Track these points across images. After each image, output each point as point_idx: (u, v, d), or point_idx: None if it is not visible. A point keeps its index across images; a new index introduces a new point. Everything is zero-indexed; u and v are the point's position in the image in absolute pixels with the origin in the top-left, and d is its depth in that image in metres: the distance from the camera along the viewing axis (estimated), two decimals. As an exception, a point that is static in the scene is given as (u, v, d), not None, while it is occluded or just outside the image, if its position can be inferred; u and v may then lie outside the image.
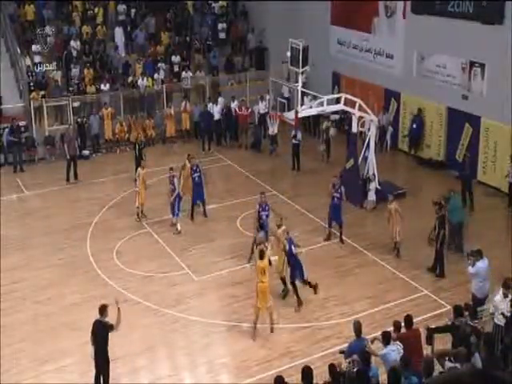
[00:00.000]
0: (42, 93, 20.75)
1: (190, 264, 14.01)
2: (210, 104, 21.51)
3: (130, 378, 10.58)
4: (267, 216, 14.01)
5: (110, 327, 9.74)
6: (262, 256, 11.44)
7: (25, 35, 22.60)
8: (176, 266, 13.98)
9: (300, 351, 11.00)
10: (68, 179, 18.27)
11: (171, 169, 15.64)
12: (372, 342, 9.17)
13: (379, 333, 10.58)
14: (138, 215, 15.83)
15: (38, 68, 21.44)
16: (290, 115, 16.65)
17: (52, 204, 17.22)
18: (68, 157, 18.20)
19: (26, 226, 16.02)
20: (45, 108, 20.14)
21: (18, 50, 21.73)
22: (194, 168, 15.82)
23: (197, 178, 15.75)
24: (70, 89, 21.36)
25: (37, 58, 21.95)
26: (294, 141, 19.09)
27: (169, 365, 11.05)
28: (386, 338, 8.84)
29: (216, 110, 21.37)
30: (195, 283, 13.35)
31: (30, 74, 21.22)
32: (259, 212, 13.99)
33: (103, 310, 9.80)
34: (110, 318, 9.74)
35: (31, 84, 20.98)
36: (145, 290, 13.04)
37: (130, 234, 15.29)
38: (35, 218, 16.48)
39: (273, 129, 20.17)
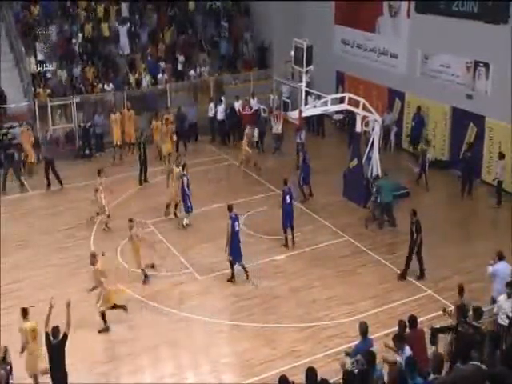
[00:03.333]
0: (48, 91, 20.78)
1: (194, 263, 14.02)
2: (212, 104, 21.49)
3: (133, 377, 10.61)
4: None
5: (64, 340, 9.40)
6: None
7: (29, 34, 22.60)
8: (180, 265, 14.00)
9: (303, 351, 11.00)
10: (48, 184, 17.90)
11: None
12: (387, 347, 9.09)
13: (383, 333, 10.67)
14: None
15: (42, 67, 21.53)
16: (293, 114, 16.63)
17: (55, 203, 17.24)
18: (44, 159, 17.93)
19: (29, 225, 16.04)
20: (49, 107, 20.14)
21: (23, 49, 21.78)
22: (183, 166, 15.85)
23: (186, 180, 15.70)
24: (79, 87, 21.37)
25: (41, 57, 22.00)
26: (298, 140, 19.14)
27: (172, 364, 11.06)
28: (400, 340, 8.76)
29: (219, 110, 21.36)
30: (199, 282, 13.37)
31: (34, 72, 21.26)
32: None
33: (55, 331, 9.40)
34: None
35: (35, 83, 21.01)
36: (148, 289, 13.06)
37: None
38: (38, 216, 16.51)
39: (276, 128, 20.17)
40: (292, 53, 16.21)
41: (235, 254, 13.13)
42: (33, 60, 21.73)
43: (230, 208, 13.26)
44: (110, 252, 14.37)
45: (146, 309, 12.39)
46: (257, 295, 12.84)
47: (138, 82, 22.39)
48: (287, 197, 14.63)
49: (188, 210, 15.67)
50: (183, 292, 12.97)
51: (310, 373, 8.30)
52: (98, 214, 15.52)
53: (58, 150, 19.27)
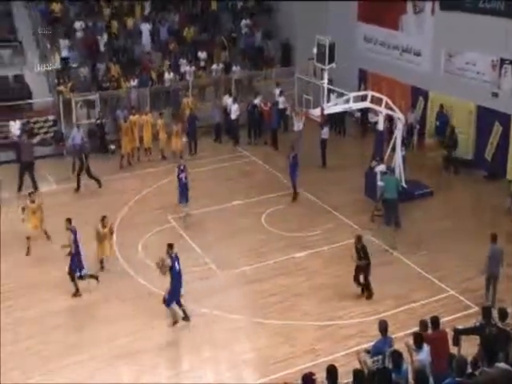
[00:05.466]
0: (70, 85, 21.00)
1: (215, 259, 14.06)
2: (229, 100, 21.38)
3: (153, 372, 10.67)
4: None
5: None
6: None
7: (54, 30, 22.87)
8: (200, 261, 14.04)
9: (323, 349, 10.96)
10: (20, 188, 17.23)
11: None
12: (407, 346, 8.99)
13: (403, 333, 10.56)
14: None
15: (67, 63, 21.79)
16: (315, 112, 16.56)
17: (77, 198, 17.40)
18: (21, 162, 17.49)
19: (50, 220, 16.11)
20: (73, 102, 20.35)
21: (48, 45, 22.04)
22: (182, 168, 15.81)
23: (183, 179, 15.71)
24: (104, 85, 21.50)
25: (65, 53, 22.25)
26: (321, 137, 19.13)
27: (192, 359, 11.10)
28: (419, 339, 8.68)
29: (233, 109, 21.14)
30: (219, 279, 13.40)
31: (58, 68, 21.50)
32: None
33: None
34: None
35: (59, 78, 21.25)
36: (168, 284, 13.06)
37: (155, 229, 15.39)
38: (60, 212, 16.62)
39: (298, 125, 20.11)
40: (315, 50, 16.15)
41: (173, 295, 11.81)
42: (57, 56, 21.98)
43: (170, 247, 11.94)
44: (132, 247, 14.54)
45: (164, 306, 12.40)
46: (277, 292, 12.82)
47: (161, 79, 22.50)
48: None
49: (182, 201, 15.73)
50: (203, 287, 13.00)
51: (331, 370, 8.27)
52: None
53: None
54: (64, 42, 22.41)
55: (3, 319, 11.75)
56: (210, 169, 19.25)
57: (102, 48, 23.04)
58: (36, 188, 17.20)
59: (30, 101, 20.43)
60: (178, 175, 15.72)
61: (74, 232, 12.76)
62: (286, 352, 11.00)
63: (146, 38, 23.85)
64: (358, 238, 12.58)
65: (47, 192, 17.45)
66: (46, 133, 19.88)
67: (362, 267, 12.42)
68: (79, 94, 20.82)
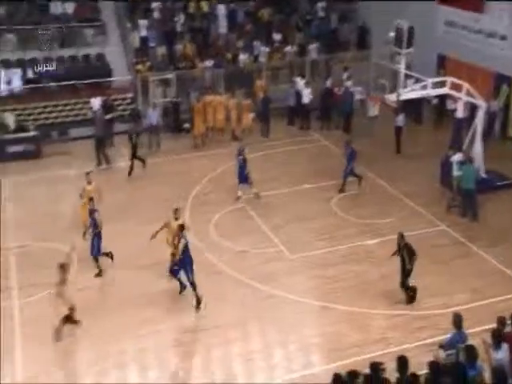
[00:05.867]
0: (148, 64, 21.47)
1: (284, 242, 14.11)
2: (302, 82, 21.17)
3: (221, 349, 10.87)
4: None
5: None
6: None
7: (134, 11, 23.40)
8: (270, 242, 14.13)
9: (393, 339, 10.82)
10: (98, 163, 17.92)
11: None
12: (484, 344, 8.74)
13: (479, 329, 10.25)
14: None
15: (145, 43, 22.29)
16: (391, 97, 16.19)
17: (152, 175, 17.78)
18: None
19: (122, 195, 16.52)
20: (150, 81, 20.81)
21: (128, 25, 22.59)
22: (240, 150, 15.93)
23: (241, 161, 15.80)
24: (180, 64, 21.84)
25: (144, 33, 22.76)
26: (396, 124, 18.67)
27: (259, 339, 11.22)
28: (498, 337, 8.41)
29: (305, 93, 20.80)
30: (288, 261, 13.45)
31: (137, 47, 22.06)
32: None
33: None
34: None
35: (138, 57, 21.78)
36: (239, 264, 13.28)
37: (226, 209, 15.61)
38: (135, 187, 17.12)
39: (373, 111, 19.72)
40: (392, 34, 15.75)
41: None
42: (136, 35, 22.51)
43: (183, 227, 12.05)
44: (203, 224, 14.83)
45: (235, 283, 12.64)
46: (347, 278, 12.75)
47: (235, 60, 22.61)
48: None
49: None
50: (273, 269, 13.09)
51: (403, 360, 8.18)
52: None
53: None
54: (143, 22, 22.90)
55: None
56: (282, 151, 19.26)
57: (178, 28, 23.39)
58: (108, 162, 17.87)
59: (109, 79, 21.09)
60: (238, 157, 15.87)
61: (96, 212, 12.86)
62: (354, 339, 10.94)
63: (221, 19, 24.00)
64: (401, 236, 11.80)
65: (123, 167, 18.00)
66: (123, 110, 20.53)
67: (404, 267, 11.73)
68: (156, 73, 21.28)
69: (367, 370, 8.22)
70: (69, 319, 11.05)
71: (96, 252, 12.81)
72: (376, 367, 8.21)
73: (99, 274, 12.89)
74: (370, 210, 15.45)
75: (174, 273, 12.05)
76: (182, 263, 11.79)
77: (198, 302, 11.82)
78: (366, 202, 15.91)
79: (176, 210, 12.62)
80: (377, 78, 19.93)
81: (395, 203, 15.69)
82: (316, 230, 14.62)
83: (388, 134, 18.89)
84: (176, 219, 12.49)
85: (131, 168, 17.48)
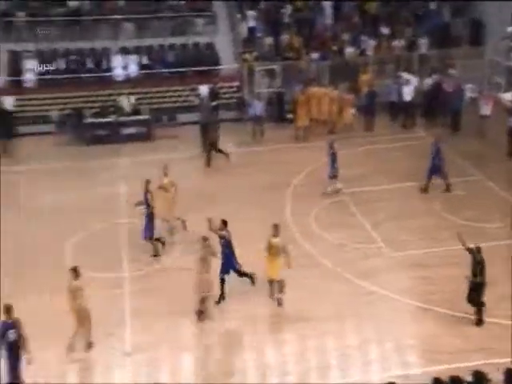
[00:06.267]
0: (254, 54, 21.85)
1: (384, 239, 13.90)
2: (409, 79, 20.58)
3: (318, 341, 10.92)
4: None
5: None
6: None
7: (243, 0, 23.82)
8: (369, 238, 13.97)
9: (499, 349, 10.31)
10: (203, 148, 18.11)
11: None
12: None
13: None
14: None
15: (252, 33, 22.68)
16: (507, 96, 15.44)
17: (254, 163, 18.07)
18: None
19: (227, 180, 16.92)
20: (256, 71, 21.17)
21: (237, 16, 23.08)
22: (330, 144, 15.75)
23: (331, 155, 15.60)
24: (286, 55, 22.02)
25: (251, 24, 23.15)
26: (509, 124, 17.75)
27: (355, 335, 11.13)
28: None
29: (405, 92, 20.11)
30: (388, 258, 13.23)
31: (245, 37, 22.48)
32: None
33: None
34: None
35: (245, 47, 22.17)
36: (337, 257, 13.25)
37: (326, 201, 15.61)
38: (236, 173, 17.40)
39: (485, 110, 18.84)
40: (510, 28, 14.96)
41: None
42: (245, 26, 22.94)
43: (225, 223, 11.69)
44: (303, 216, 14.93)
45: (334, 277, 12.62)
46: (446, 281, 12.33)
47: (341, 53, 22.44)
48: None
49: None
50: (372, 266, 12.93)
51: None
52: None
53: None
54: (251, 13, 23.28)
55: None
56: (384, 148, 18.90)
57: (285, 19, 23.54)
58: (212, 149, 17.90)
59: (217, 67, 21.68)
60: (329, 150, 15.70)
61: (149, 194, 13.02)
62: (452, 344, 10.58)
63: (328, 11, 23.88)
64: (478, 250, 11.03)
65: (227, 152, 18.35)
66: (229, 98, 21.06)
67: (477, 285, 10.97)
68: (262, 63, 21.60)
69: (469, 378, 7.99)
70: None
71: (148, 234, 13.13)
72: (481, 376, 7.93)
73: (156, 255, 13.20)
74: (476, 212, 14.84)
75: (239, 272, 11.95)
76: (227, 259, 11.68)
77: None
78: (472, 204, 15.29)
79: (276, 227, 11.57)
80: (491, 75, 19.10)
81: (505, 208, 14.96)
82: (417, 229, 14.26)
83: (500, 135, 17.99)
84: (274, 236, 11.51)
85: (209, 158, 17.61)
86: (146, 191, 13.14)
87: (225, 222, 11.78)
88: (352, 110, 19.92)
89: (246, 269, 12.08)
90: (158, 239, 13.40)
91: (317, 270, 12.81)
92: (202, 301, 11.31)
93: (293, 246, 13.42)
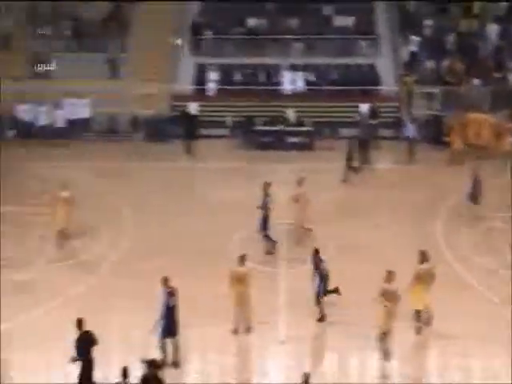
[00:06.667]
0: (414, 78, 22.73)
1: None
2: None
3: (458, 360, 11.12)
4: None
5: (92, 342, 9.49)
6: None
7: (406, 25, 24.73)
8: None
9: None
10: (358, 162, 18.86)
11: None
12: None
13: None
14: None
15: (414, 57, 23.59)
16: None
17: (404, 180, 18.98)
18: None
19: (374, 193, 17.87)
20: (415, 93, 22.10)
21: (400, 39, 24.14)
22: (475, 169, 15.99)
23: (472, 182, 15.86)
24: (447, 79, 22.69)
25: (414, 47, 24.06)
26: None
27: (498, 360, 11.06)
28: None
29: None
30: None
31: (406, 61, 23.44)
32: None
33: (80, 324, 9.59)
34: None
35: (406, 70, 23.14)
36: (487, 281, 13.51)
37: (480, 226, 16.06)
38: (383, 187, 18.27)
39: None
40: None
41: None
42: (406, 50, 23.92)
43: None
44: (455, 236, 15.41)
45: (481, 300, 12.90)
46: None
47: (504, 80, 22.54)
48: None
49: None
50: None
51: None
52: None
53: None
54: (414, 38, 24.07)
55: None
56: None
57: (448, 46, 24.03)
58: (364, 163, 19.23)
59: (378, 87, 23.00)
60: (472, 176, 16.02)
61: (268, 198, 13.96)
62: None
63: (493, 37, 24.03)
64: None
65: (381, 168, 19.62)
66: (388, 117, 22.20)
67: None
68: (421, 86, 22.43)
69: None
70: None
71: (262, 231, 14.19)
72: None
73: (270, 252, 14.25)
74: None
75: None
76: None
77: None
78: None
79: (422, 253, 11.34)
80: None
81: None
82: None
83: None
84: (422, 262, 11.17)
85: (346, 174, 18.59)
86: (265, 194, 14.07)
87: (317, 251, 12.21)
88: (511, 138, 20.06)
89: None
90: (269, 238, 14.25)
91: (466, 293, 13.12)
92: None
93: (442, 266, 13.71)
